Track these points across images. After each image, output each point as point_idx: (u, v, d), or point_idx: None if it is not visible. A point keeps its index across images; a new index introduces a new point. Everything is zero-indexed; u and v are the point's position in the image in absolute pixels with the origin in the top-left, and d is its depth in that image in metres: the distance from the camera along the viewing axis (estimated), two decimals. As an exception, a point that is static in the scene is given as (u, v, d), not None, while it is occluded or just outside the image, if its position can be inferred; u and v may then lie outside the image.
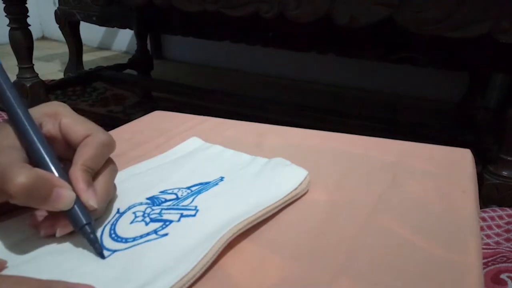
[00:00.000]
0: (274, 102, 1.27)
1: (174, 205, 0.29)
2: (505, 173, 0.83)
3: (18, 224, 0.27)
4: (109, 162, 0.28)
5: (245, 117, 0.52)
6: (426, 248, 0.26)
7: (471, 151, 0.42)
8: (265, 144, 0.43)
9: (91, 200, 0.25)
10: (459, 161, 0.40)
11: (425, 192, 0.34)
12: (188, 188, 0.32)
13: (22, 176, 0.22)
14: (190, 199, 0.30)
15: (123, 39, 2.35)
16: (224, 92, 1.38)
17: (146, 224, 0.27)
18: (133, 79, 1.57)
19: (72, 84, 1.52)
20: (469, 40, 0.74)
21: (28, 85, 1.23)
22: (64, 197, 0.24)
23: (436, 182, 0.35)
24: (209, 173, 0.34)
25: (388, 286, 0.23)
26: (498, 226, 0.78)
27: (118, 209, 0.29)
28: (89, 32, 2.15)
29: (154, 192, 0.31)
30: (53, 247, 0.25)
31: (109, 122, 1.33)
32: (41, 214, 0.26)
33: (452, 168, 0.38)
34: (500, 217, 0.79)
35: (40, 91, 1.26)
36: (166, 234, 0.26)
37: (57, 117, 0.28)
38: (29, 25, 1.21)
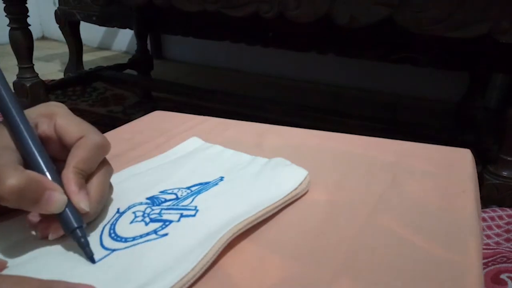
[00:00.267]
0: (274, 102, 1.27)
1: (174, 205, 0.29)
2: (505, 173, 0.83)
3: (18, 224, 0.27)
4: (103, 163, 0.28)
5: (245, 117, 0.52)
6: (426, 248, 0.26)
7: (471, 151, 0.42)
8: (265, 144, 0.43)
9: (82, 203, 0.25)
10: (459, 161, 0.40)
11: (425, 192, 0.34)
12: (188, 188, 0.32)
13: (13, 178, 0.22)
14: (190, 199, 0.30)
15: (123, 39, 2.35)
16: (224, 92, 1.38)
17: (146, 224, 0.27)
18: (133, 79, 1.57)
19: (72, 84, 1.52)
20: (469, 40, 0.74)
21: (28, 85, 1.23)
22: (55, 200, 0.24)
23: (436, 182, 0.35)
24: (209, 173, 0.34)
25: (388, 286, 0.23)
26: (498, 226, 0.78)
27: (118, 209, 0.29)
28: (89, 32, 2.15)
29: (154, 192, 0.31)
30: (53, 247, 0.25)
31: (109, 122, 1.33)
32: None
33: (452, 168, 0.38)
34: (500, 217, 0.79)
35: (40, 91, 1.26)
36: (166, 234, 0.26)
37: (52, 117, 0.28)
38: (29, 25, 1.21)
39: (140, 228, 0.27)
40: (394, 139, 0.44)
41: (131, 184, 0.33)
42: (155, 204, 0.29)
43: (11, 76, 1.27)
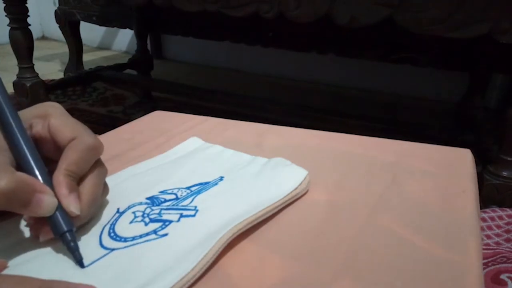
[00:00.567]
0: (274, 102, 1.27)
1: (173, 205, 0.29)
2: (505, 173, 0.83)
3: (19, 224, 0.27)
4: (97, 165, 0.27)
5: (245, 117, 0.52)
6: (426, 248, 0.26)
7: (471, 151, 0.42)
8: (265, 144, 0.43)
9: (72, 206, 0.24)
10: (459, 161, 0.40)
11: (425, 192, 0.34)
12: (188, 188, 0.32)
13: (2, 180, 0.22)
14: (190, 199, 0.30)
15: (123, 39, 2.35)
16: (224, 92, 1.38)
17: (146, 224, 0.27)
18: (133, 79, 1.57)
19: (72, 84, 1.52)
20: (469, 40, 0.74)
21: (28, 85, 1.23)
22: (45, 203, 0.23)
23: (436, 182, 0.35)
24: (209, 173, 0.34)
25: (388, 286, 0.23)
26: (498, 227, 0.78)
27: (118, 209, 0.29)
28: (89, 32, 2.16)
29: (153, 192, 0.31)
30: (53, 247, 0.25)
31: (109, 122, 1.33)
32: None
33: (452, 168, 0.38)
34: (500, 218, 0.79)
35: (40, 91, 1.26)
36: (165, 234, 0.26)
37: (46, 118, 0.27)
38: (29, 25, 1.21)
39: (139, 228, 0.27)
40: (394, 139, 0.44)
41: (131, 184, 0.33)
42: (155, 204, 0.29)
43: (11, 76, 1.27)
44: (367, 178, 0.36)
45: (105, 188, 0.29)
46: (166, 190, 0.32)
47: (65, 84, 1.48)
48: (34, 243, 0.25)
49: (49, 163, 0.26)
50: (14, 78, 1.24)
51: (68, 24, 1.68)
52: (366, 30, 0.84)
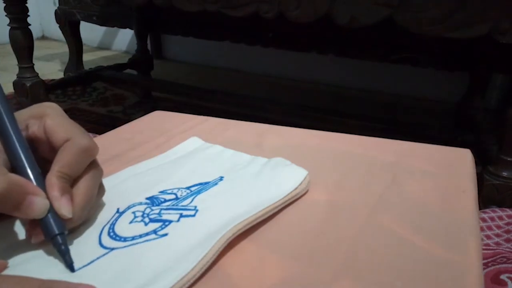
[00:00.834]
0: (274, 102, 1.27)
1: (173, 205, 0.29)
2: (505, 173, 0.83)
3: (18, 224, 0.27)
4: (92, 166, 0.27)
5: (245, 117, 0.52)
6: (426, 248, 0.26)
7: (471, 151, 0.42)
8: (265, 144, 0.43)
9: (63, 209, 0.24)
10: (459, 161, 0.40)
11: (425, 192, 0.34)
12: (188, 188, 0.32)
13: None
14: (190, 199, 0.30)
15: (123, 39, 2.35)
16: (224, 92, 1.38)
17: (146, 224, 0.27)
18: (133, 79, 1.57)
19: (72, 84, 1.52)
20: (469, 40, 0.74)
21: (28, 84, 1.23)
22: (36, 205, 0.23)
23: (436, 182, 0.35)
24: (209, 173, 0.34)
25: (388, 286, 0.23)
26: (498, 227, 0.78)
27: (118, 209, 0.29)
28: (89, 31, 2.15)
29: (153, 192, 0.31)
30: (52, 247, 0.25)
31: (109, 122, 1.32)
32: None
33: (452, 168, 0.38)
34: (500, 218, 0.79)
35: (40, 91, 1.26)
36: (165, 234, 0.26)
37: (42, 118, 0.27)
38: (29, 25, 1.21)
39: (139, 228, 0.27)
40: (394, 139, 0.44)
41: (131, 184, 0.33)
42: (154, 204, 0.29)
43: (11, 76, 1.27)
44: (367, 178, 0.36)
45: (101, 189, 0.29)
46: (166, 190, 0.32)
47: (65, 84, 1.48)
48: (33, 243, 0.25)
49: (45, 164, 0.26)
50: (14, 78, 1.24)
51: (68, 24, 1.67)
52: (366, 30, 0.84)
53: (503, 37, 0.68)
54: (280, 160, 0.36)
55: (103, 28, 2.26)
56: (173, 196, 0.31)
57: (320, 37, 1.31)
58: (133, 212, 0.28)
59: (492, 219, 0.79)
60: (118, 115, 1.41)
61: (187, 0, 0.91)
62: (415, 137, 0.49)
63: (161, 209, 0.29)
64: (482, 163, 0.86)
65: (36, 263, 0.24)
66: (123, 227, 0.27)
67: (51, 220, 0.24)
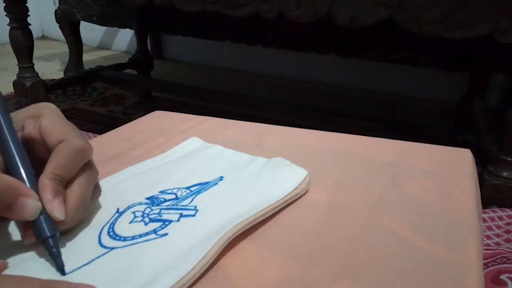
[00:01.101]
0: (274, 102, 1.27)
1: (173, 205, 0.29)
2: (505, 173, 0.83)
3: (18, 224, 0.27)
4: (86, 167, 0.27)
5: (245, 117, 0.52)
6: (426, 248, 0.26)
7: (471, 151, 0.42)
8: (265, 144, 0.43)
9: (56, 211, 0.24)
10: (459, 161, 0.40)
11: (425, 192, 0.34)
12: (188, 188, 0.32)
13: None
14: (190, 199, 0.30)
15: (123, 39, 2.35)
16: (224, 92, 1.38)
17: (146, 224, 0.27)
18: (133, 79, 1.57)
19: (72, 84, 1.52)
20: (469, 40, 0.74)
21: (28, 84, 1.23)
22: (28, 207, 0.23)
23: (436, 182, 0.35)
24: (209, 173, 0.34)
25: (388, 286, 0.23)
26: (498, 227, 0.78)
27: (118, 209, 0.29)
28: (89, 31, 2.15)
29: (153, 192, 0.31)
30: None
31: (109, 122, 1.32)
32: None
33: (452, 168, 0.38)
34: (500, 218, 0.79)
35: (40, 91, 1.26)
36: (165, 234, 0.26)
37: (38, 118, 0.27)
38: (29, 25, 1.21)
39: (139, 228, 0.27)
40: (394, 139, 0.44)
41: (131, 184, 0.33)
42: (154, 204, 0.29)
43: (11, 76, 1.27)
44: (367, 178, 0.36)
45: (96, 190, 0.28)
46: (166, 190, 0.32)
47: (65, 84, 1.48)
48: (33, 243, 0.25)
49: (41, 164, 0.26)
50: (14, 77, 1.24)
51: (68, 23, 1.67)
52: (366, 30, 0.84)
53: (503, 37, 0.68)
54: (280, 160, 0.36)
55: (103, 28, 2.26)
56: (173, 196, 0.31)
57: (320, 37, 1.31)
58: (133, 212, 0.28)
59: (492, 219, 0.79)
60: (118, 115, 1.41)
61: (187, 0, 0.91)
62: (415, 137, 0.49)
63: (161, 209, 0.29)
64: (482, 163, 0.86)
65: (36, 263, 0.24)
66: (123, 227, 0.27)
67: (43, 222, 0.24)
